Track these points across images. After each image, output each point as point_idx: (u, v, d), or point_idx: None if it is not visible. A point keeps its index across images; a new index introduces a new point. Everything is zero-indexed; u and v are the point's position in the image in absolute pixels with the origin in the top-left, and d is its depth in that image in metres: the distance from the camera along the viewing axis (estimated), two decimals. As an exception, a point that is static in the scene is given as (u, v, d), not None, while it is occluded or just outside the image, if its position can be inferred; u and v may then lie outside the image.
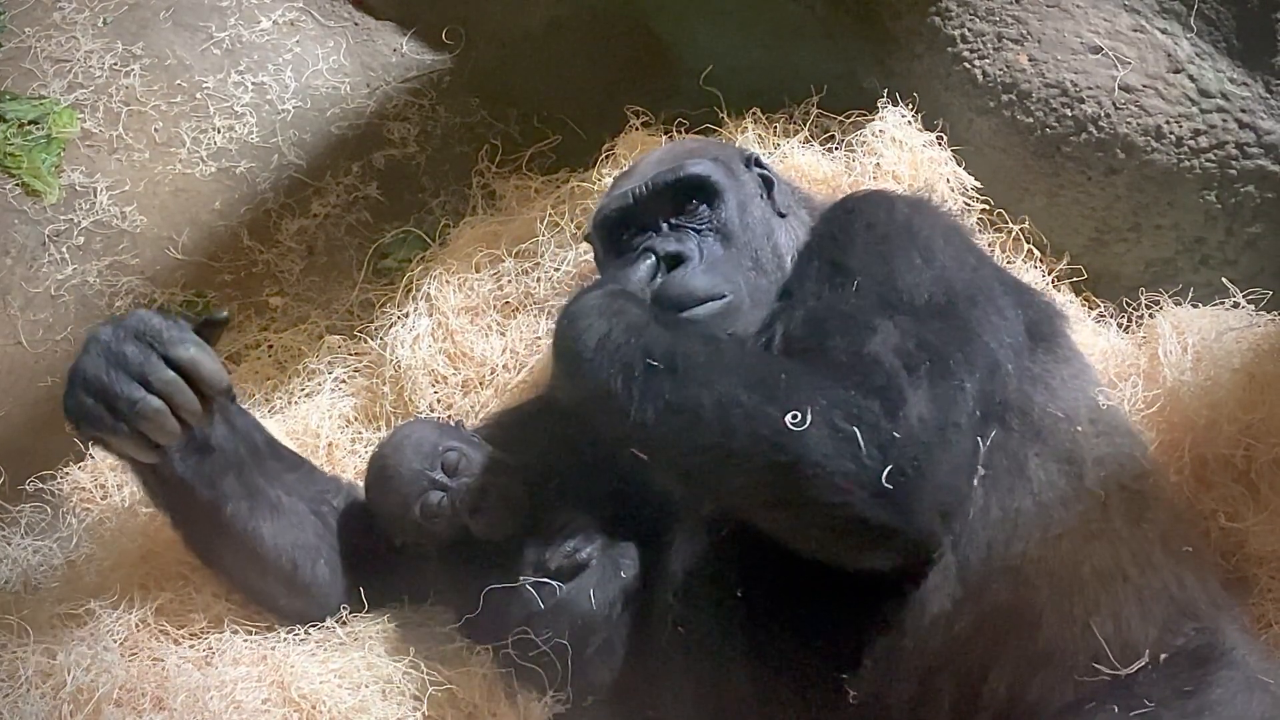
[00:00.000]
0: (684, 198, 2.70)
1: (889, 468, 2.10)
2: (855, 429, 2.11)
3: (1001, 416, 2.34)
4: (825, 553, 2.24)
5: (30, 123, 4.03)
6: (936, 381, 2.21)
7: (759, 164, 2.88)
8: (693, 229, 2.68)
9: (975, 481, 2.26)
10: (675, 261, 2.62)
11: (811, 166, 3.39)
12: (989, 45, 3.41)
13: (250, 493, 2.79)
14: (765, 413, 2.14)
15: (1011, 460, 2.32)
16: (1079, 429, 2.39)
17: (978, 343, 2.32)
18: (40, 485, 3.23)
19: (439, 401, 3.29)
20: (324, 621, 2.90)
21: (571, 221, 3.44)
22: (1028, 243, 3.37)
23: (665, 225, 2.70)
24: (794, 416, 2.12)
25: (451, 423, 3.09)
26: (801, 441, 2.11)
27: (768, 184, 2.83)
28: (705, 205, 2.70)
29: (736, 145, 3.08)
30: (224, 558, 2.84)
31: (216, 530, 2.77)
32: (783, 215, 2.79)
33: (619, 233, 2.77)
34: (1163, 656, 2.19)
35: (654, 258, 2.60)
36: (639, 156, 3.09)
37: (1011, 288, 2.52)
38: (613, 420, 2.31)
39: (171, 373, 2.40)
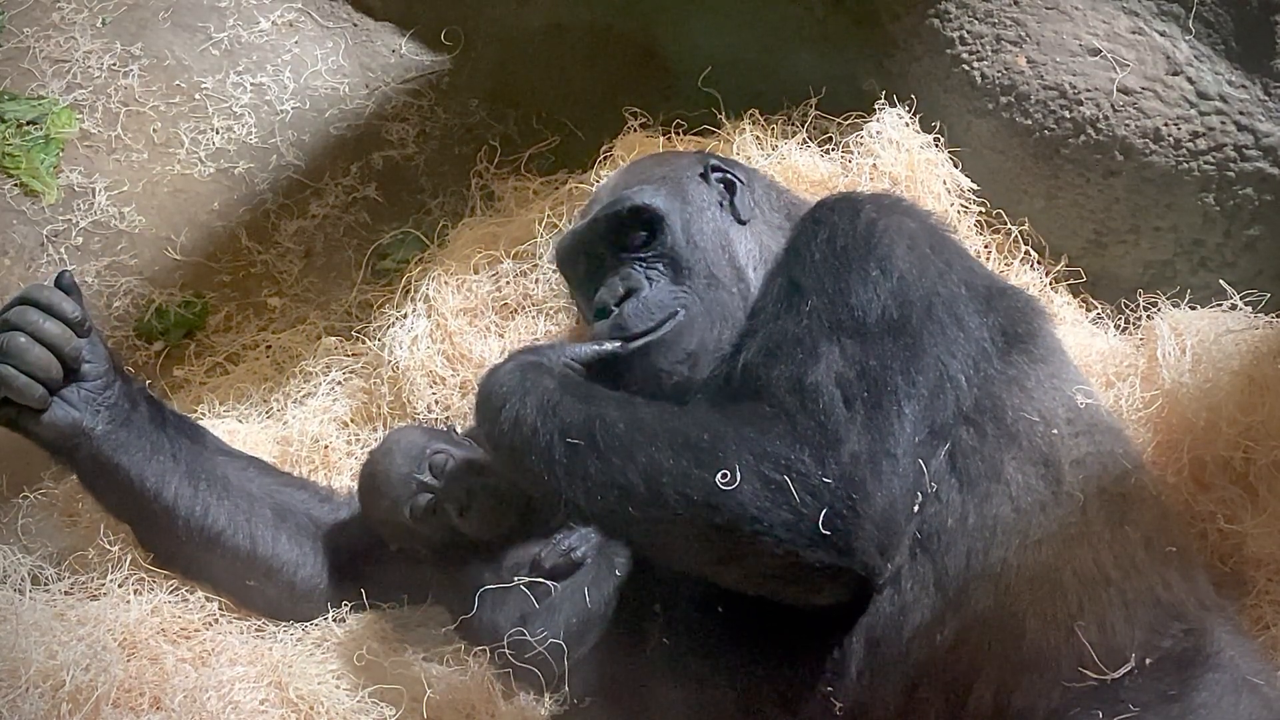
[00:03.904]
0: (627, 230, 2.72)
1: (824, 511, 2.13)
2: (786, 479, 2.14)
3: (975, 423, 2.34)
4: (775, 596, 2.27)
5: (29, 123, 4.03)
6: (873, 411, 2.23)
7: (720, 169, 2.85)
8: (639, 259, 2.70)
9: (915, 507, 2.26)
10: (626, 298, 2.65)
11: (809, 168, 3.38)
12: (988, 47, 3.41)
13: (192, 475, 2.85)
14: (694, 476, 2.17)
15: (987, 466, 2.32)
16: (1055, 431, 2.38)
17: (926, 360, 2.32)
18: (38, 486, 3.23)
19: (437, 403, 3.28)
20: (312, 616, 2.94)
21: (570, 223, 3.44)
22: (1026, 244, 3.37)
23: (614, 257, 2.73)
24: (724, 476, 2.15)
25: (444, 426, 3.10)
26: (735, 500, 2.14)
27: (731, 189, 2.81)
28: (650, 234, 2.71)
29: (700, 153, 3.06)
30: (183, 551, 2.88)
31: (165, 518, 2.83)
32: (743, 222, 2.78)
33: (574, 267, 2.84)
34: (1148, 660, 2.19)
35: (608, 345, 2.62)
36: (605, 179, 3.09)
37: (981, 291, 2.49)
38: (547, 499, 2.37)
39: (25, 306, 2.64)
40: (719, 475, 2.15)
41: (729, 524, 2.15)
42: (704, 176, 2.82)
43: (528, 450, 2.31)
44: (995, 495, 2.30)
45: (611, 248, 2.74)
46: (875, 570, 2.21)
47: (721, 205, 2.78)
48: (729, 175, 2.83)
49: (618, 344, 2.60)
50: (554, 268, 2.94)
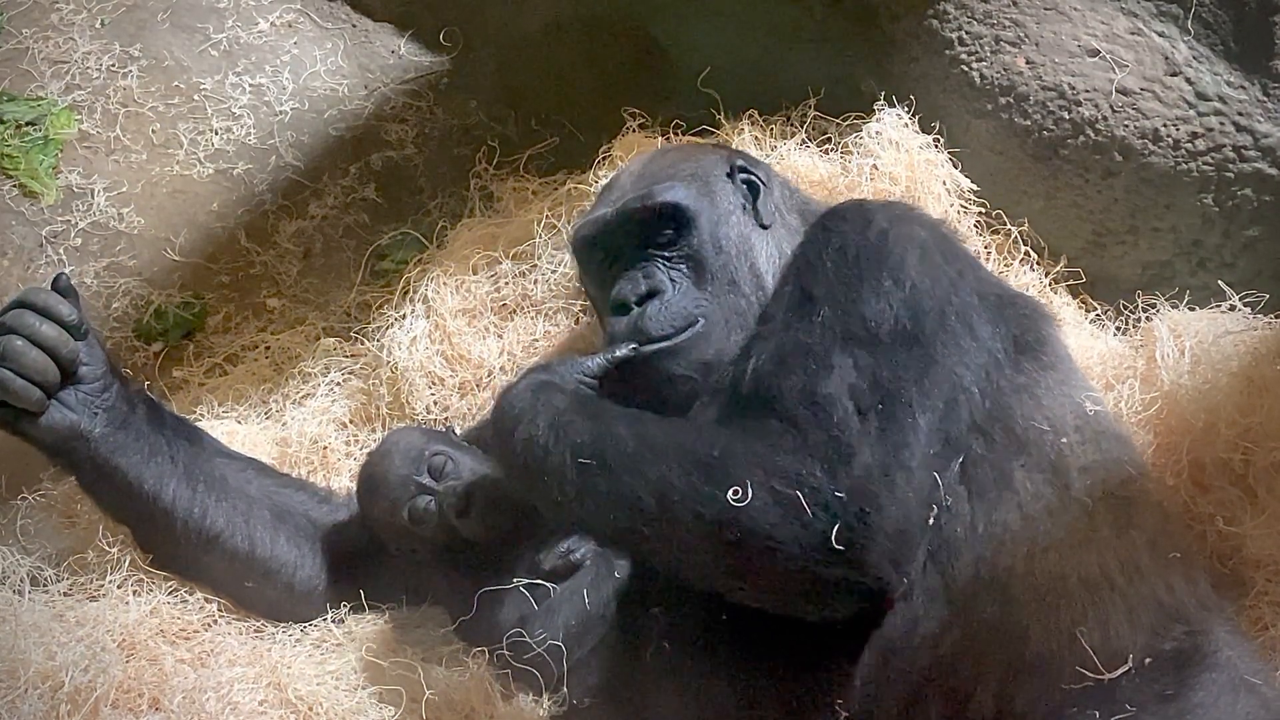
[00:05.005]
0: (654, 225, 2.70)
1: (837, 526, 2.11)
2: (798, 494, 2.13)
3: (985, 432, 2.33)
4: (788, 612, 2.25)
5: (28, 124, 4.03)
6: (888, 423, 2.21)
7: (745, 170, 2.83)
8: (662, 258, 2.69)
9: (930, 520, 2.25)
10: (648, 297, 2.64)
11: (808, 168, 3.38)
12: (986, 48, 3.41)
13: (190, 477, 2.85)
14: (705, 493, 2.16)
15: (997, 473, 2.31)
16: (1064, 439, 2.38)
17: (940, 371, 2.31)
18: (37, 487, 3.23)
19: (436, 404, 3.29)
20: (311, 617, 2.95)
21: (568, 223, 3.44)
22: (1025, 245, 3.37)
23: (636, 251, 2.71)
24: (735, 492, 2.13)
25: (443, 427, 3.10)
26: (746, 516, 2.13)
27: (754, 192, 2.80)
28: (676, 233, 2.69)
29: (725, 149, 3.04)
30: (182, 553, 2.88)
31: (164, 520, 2.83)
32: (765, 227, 2.76)
33: (592, 254, 2.81)
34: (1147, 660, 2.19)
35: (621, 349, 2.61)
36: (625, 165, 3.07)
37: (993, 299, 2.49)
38: (559, 518, 2.40)
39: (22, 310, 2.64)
40: (730, 491, 2.13)
41: (741, 540, 2.14)
42: (730, 176, 2.81)
43: (540, 471, 2.31)
44: (1004, 503, 2.29)
45: (635, 240, 2.72)
46: (890, 584, 2.20)
47: (745, 209, 2.77)
48: (753, 177, 2.82)
49: (630, 348, 2.60)
50: (567, 250, 2.88)
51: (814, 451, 2.17)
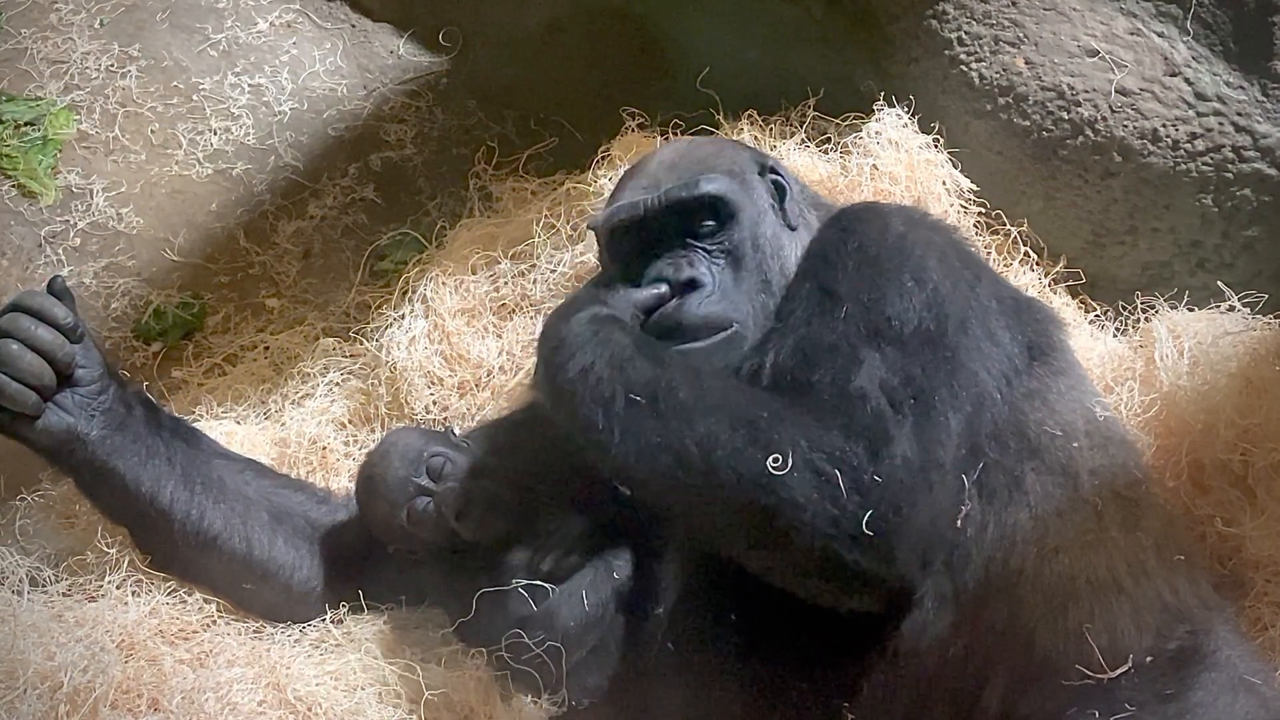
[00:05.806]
0: (697, 215, 2.64)
1: (870, 512, 2.11)
2: (837, 472, 2.13)
3: (998, 437, 2.33)
4: (805, 593, 2.25)
5: (26, 124, 4.03)
6: (921, 420, 2.21)
7: (774, 170, 2.79)
8: (703, 250, 2.62)
9: (959, 521, 2.25)
10: (688, 287, 2.58)
11: (808, 168, 3.38)
12: (986, 48, 3.41)
13: (188, 479, 2.85)
14: (748, 454, 2.16)
15: (1009, 478, 2.32)
16: (1075, 444, 2.38)
17: (966, 373, 2.31)
18: (36, 488, 3.23)
19: (435, 404, 3.29)
20: (309, 617, 2.93)
21: (568, 223, 3.44)
22: (1024, 245, 3.37)
23: (674, 240, 2.64)
24: (775, 460, 2.13)
25: (442, 428, 3.10)
26: (783, 485, 2.13)
27: (780, 193, 2.76)
28: (718, 224, 2.64)
29: (750, 148, 3.00)
30: (180, 555, 2.87)
31: (162, 521, 2.82)
32: (793, 228, 2.73)
33: (625, 240, 2.71)
34: (1147, 660, 2.19)
35: (665, 286, 2.57)
36: (653, 155, 3.01)
37: (1008, 304, 2.49)
38: (595, 452, 2.34)
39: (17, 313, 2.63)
40: (771, 458, 2.13)
41: (773, 508, 2.14)
42: (761, 175, 2.77)
43: (587, 399, 2.30)
44: (1015, 506, 2.30)
45: (675, 229, 2.64)
46: (912, 582, 2.21)
47: (774, 209, 2.73)
48: (780, 178, 2.78)
49: (664, 288, 2.56)
50: (594, 233, 2.83)
51: (858, 435, 2.17)
